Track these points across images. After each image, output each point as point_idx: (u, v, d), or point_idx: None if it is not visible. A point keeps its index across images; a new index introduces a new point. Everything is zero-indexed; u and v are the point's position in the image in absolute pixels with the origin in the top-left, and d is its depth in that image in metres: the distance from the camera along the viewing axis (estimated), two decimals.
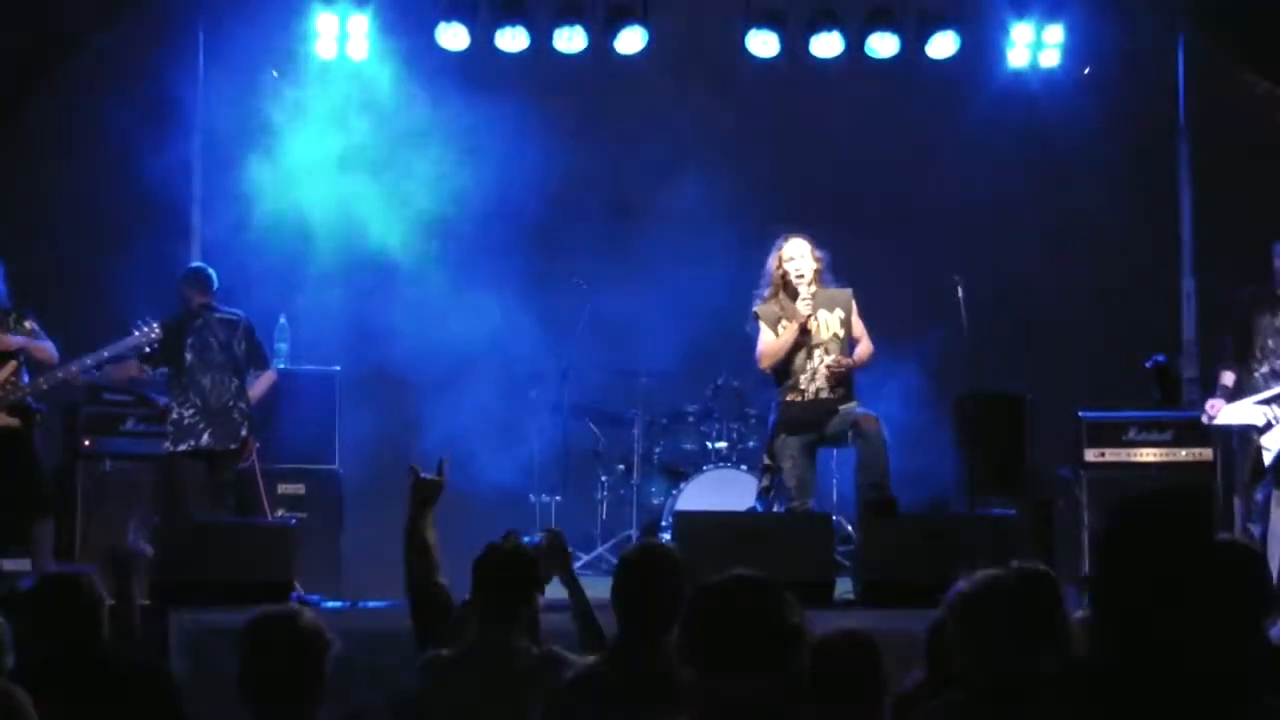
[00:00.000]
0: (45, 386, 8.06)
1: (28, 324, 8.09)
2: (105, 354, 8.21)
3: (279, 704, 3.46)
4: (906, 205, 10.78)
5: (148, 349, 8.38)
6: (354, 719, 5.33)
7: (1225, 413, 8.41)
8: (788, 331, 8.08)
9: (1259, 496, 8.33)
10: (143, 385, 8.78)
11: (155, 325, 8.26)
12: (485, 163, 10.17)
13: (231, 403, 8.51)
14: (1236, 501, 8.58)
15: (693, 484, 9.63)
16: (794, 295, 8.16)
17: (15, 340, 7.99)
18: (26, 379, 7.98)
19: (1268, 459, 8.28)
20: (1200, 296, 10.41)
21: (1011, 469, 9.10)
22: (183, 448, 8.44)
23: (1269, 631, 4.50)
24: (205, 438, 8.46)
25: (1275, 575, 7.99)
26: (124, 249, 9.52)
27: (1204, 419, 8.55)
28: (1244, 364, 8.44)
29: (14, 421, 7.87)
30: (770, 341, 8.15)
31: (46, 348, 8.09)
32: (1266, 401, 8.32)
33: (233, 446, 8.51)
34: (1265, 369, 8.37)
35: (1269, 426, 8.31)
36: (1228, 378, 8.50)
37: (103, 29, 9.63)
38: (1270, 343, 8.36)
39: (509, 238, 10.34)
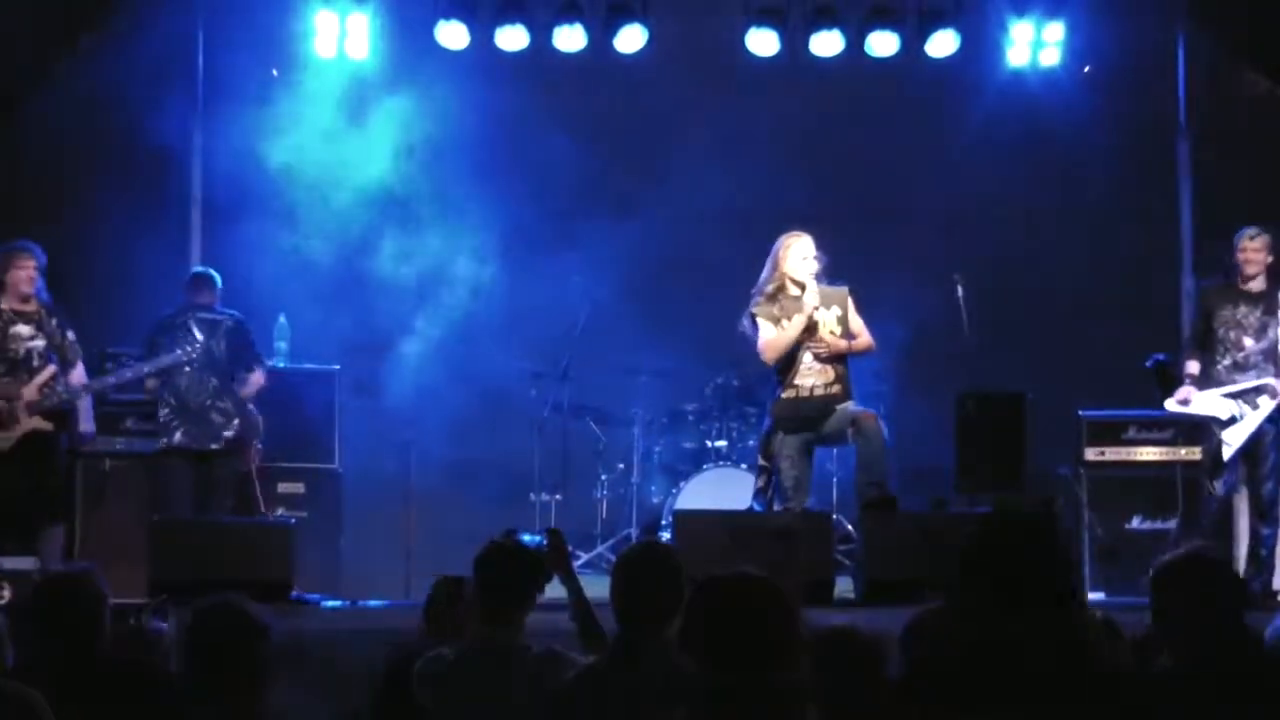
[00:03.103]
0: (82, 395, 8.09)
1: (70, 335, 8.11)
2: (146, 368, 8.27)
3: (227, 693, 3.47)
4: (906, 204, 10.77)
5: (187, 367, 8.37)
6: (353, 718, 5.34)
7: (1196, 400, 8.39)
8: (795, 324, 8.06)
9: (1219, 492, 8.30)
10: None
11: (198, 343, 8.27)
12: (484, 161, 10.17)
13: (210, 402, 8.48)
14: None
15: (692, 483, 9.63)
16: (795, 294, 8.16)
17: (79, 387, 8.06)
18: (62, 385, 8.00)
19: (1228, 454, 8.23)
20: None
21: (1011, 468, 9.10)
22: (160, 445, 8.49)
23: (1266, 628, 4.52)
24: (178, 435, 8.45)
25: (1242, 571, 8.04)
26: (123, 248, 9.51)
27: (1176, 406, 8.50)
28: (1207, 356, 8.42)
29: (47, 426, 7.90)
30: (775, 335, 8.13)
31: (80, 375, 8.15)
32: (1235, 395, 8.30)
33: (214, 446, 8.47)
34: (1228, 361, 8.33)
35: (1233, 420, 8.26)
36: (1193, 366, 8.44)
37: (97, 29, 9.60)
38: (1232, 335, 8.32)
39: (508, 236, 10.34)
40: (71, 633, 4.41)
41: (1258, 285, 8.35)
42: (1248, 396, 8.26)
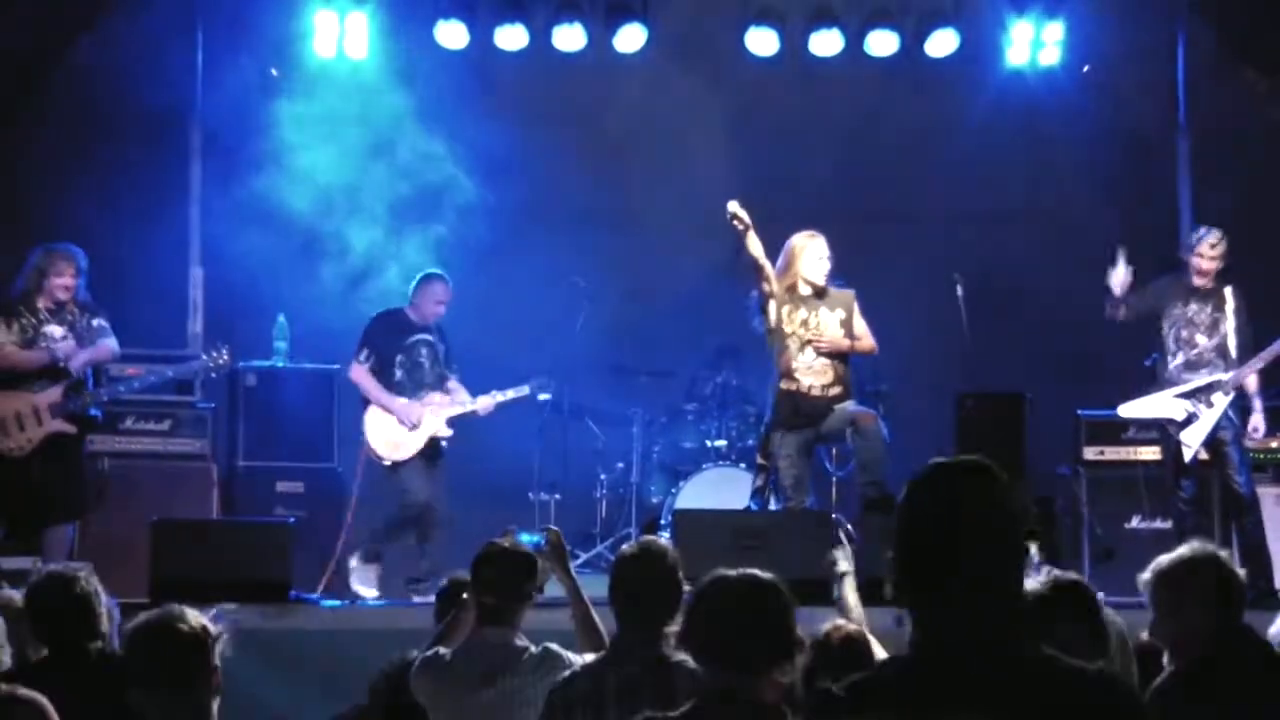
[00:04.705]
0: (105, 398, 8.11)
1: (96, 321, 8.12)
2: (170, 373, 8.36)
3: (171, 697, 3.46)
4: (906, 204, 10.77)
5: (213, 374, 8.46)
6: (353, 718, 5.34)
7: (1137, 406, 8.36)
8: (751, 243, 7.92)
9: (1185, 494, 8.28)
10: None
11: (225, 351, 8.32)
12: (483, 161, 10.16)
13: None
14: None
15: (692, 482, 9.62)
16: (805, 293, 8.15)
17: (81, 358, 7.98)
18: (91, 386, 8.01)
19: (1188, 455, 8.18)
20: None
21: (1011, 468, 9.08)
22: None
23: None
24: None
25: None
26: (122, 250, 9.50)
27: (1128, 411, 8.50)
28: (1159, 355, 8.38)
29: (70, 429, 7.90)
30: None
31: (108, 345, 8.11)
32: (1187, 395, 8.26)
33: None
34: (1180, 360, 8.29)
35: (1189, 421, 8.21)
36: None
37: (94, 30, 9.59)
38: (1184, 333, 8.28)
39: (508, 236, 10.33)
40: (66, 631, 4.40)
41: (1207, 282, 8.32)
42: (1200, 395, 8.22)
